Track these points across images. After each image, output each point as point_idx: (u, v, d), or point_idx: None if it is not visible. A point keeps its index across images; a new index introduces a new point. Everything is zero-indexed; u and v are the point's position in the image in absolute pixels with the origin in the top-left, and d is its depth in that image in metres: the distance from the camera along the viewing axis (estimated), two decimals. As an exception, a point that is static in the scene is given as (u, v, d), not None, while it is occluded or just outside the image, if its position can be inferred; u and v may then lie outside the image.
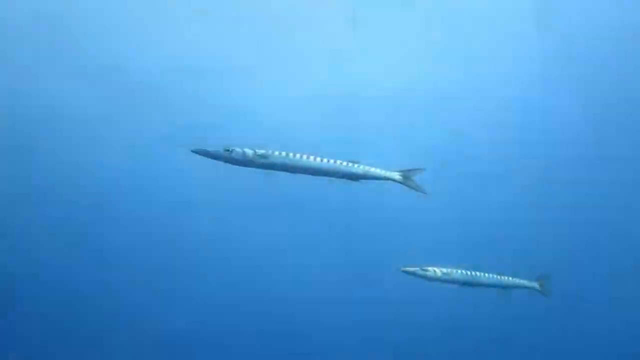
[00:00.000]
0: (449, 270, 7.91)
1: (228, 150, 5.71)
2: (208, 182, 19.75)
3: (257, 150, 5.84)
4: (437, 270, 7.85)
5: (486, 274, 8.06)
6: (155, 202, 20.62)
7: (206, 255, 22.55)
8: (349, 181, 6.41)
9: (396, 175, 6.50)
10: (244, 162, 5.80)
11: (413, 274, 7.79)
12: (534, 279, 8.51)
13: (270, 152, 5.93)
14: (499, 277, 8.14)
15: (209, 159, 5.75)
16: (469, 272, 7.96)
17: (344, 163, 6.26)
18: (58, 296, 18.60)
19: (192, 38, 17.39)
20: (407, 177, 6.50)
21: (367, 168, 6.36)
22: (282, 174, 6.21)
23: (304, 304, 21.51)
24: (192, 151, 5.58)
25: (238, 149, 5.75)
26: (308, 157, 6.10)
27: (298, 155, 6.05)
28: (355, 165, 6.30)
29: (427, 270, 7.83)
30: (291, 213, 20.97)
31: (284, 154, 6.00)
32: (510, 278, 8.25)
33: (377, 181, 6.52)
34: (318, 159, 6.16)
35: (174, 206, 20.70)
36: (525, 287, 8.41)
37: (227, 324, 21.15)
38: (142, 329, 19.07)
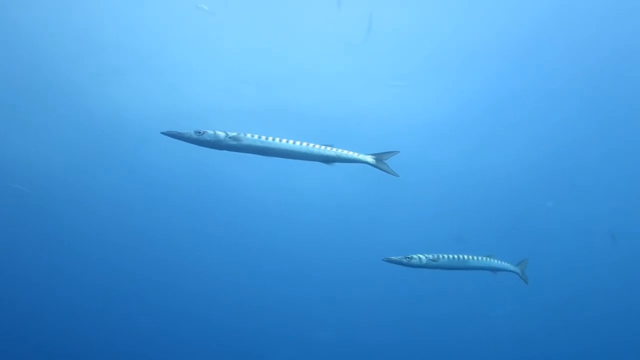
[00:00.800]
0: (435, 255, 7.81)
1: (199, 132, 5.66)
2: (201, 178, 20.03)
3: (228, 133, 5.84)
4: (422, 257, 7.75)
5: (474, 257, 7.93)
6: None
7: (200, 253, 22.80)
8: (323, 164, 6.41)
9: (369, 158, 6.50)
10: (216, 144, 5.75)
11: (398, 262, 7.68)
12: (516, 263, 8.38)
13: (242, 134, 5.91)
14: (485, 258, 8.01)
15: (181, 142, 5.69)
16: (455, 256, 7.83)
17: (317, 146, 6.25)
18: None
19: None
20: (380, 160, 6.51)
21: (340, 151, 6.34)
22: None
23: (302, 302, 21.57)
24: (163, 133, 5.48)
25: (210, 131, 5.73)
26: (280, 140, 6.08)
27: (270, 138, 6.03)
28: (328, 148, 6.29)
29: (412, 258, 7.74)
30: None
31: (256, 136, 5.98)
32: (497, 261, 8.11)
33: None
34: (290, 141, 6.13)
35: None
36: (509, 271, 8.28)
37: (227, 323, 21.40)
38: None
